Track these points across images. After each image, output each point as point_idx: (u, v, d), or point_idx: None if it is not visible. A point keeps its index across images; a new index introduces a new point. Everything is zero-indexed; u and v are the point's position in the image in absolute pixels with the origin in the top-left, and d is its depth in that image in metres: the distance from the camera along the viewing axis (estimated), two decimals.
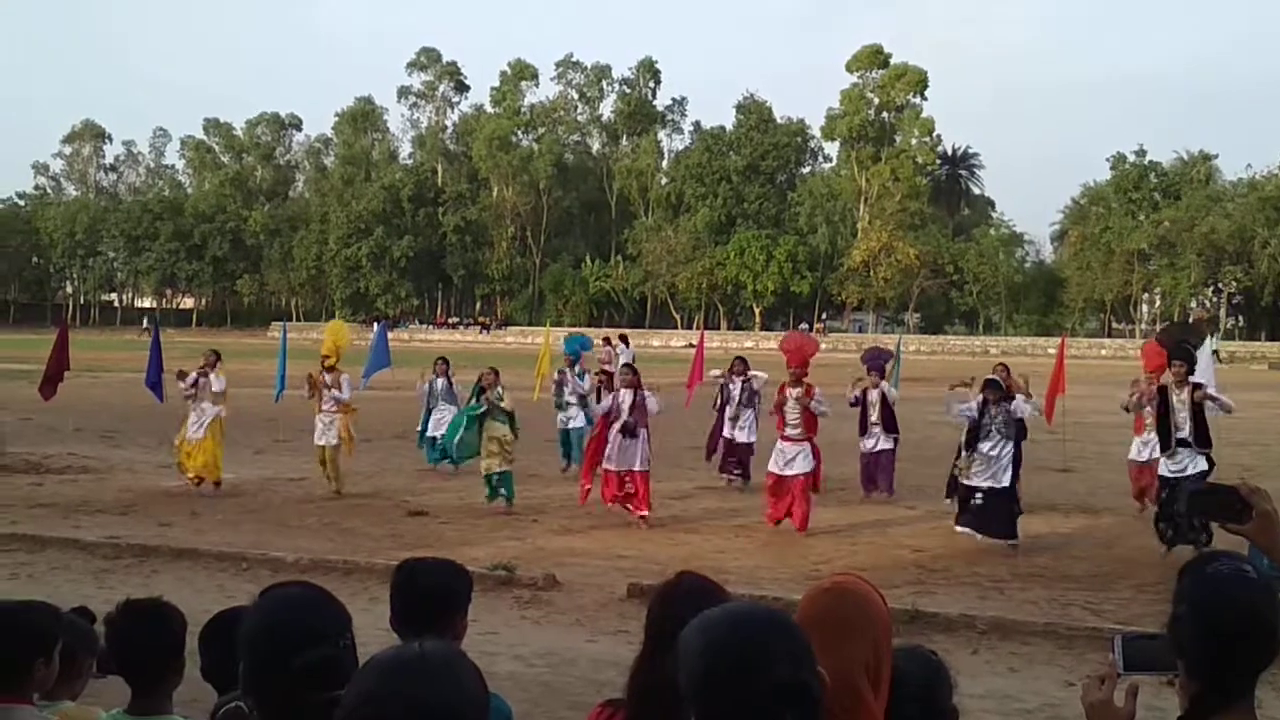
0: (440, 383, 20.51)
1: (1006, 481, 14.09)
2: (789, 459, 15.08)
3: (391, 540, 14.23)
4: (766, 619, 2.16)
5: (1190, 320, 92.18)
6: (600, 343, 36.78)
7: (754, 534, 14.96)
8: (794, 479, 14.98)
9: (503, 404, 16.47)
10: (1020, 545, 13.94)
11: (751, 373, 19.06)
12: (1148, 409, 14.59)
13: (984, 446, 14.22)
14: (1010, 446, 14.20)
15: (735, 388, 19.06)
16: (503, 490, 16.37)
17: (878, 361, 19.03)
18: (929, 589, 11.96)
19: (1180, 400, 13.49)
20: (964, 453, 14.55)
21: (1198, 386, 13.60)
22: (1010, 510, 14.11)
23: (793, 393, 15.32)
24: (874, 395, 18.15)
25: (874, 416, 17.97)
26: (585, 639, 10.03)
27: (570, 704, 8.38)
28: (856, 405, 18.20)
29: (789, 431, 15.24)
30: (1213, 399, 13.66)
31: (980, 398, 14.56)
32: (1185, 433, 13.42)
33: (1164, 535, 13.42)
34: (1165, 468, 13.62)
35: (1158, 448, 14.16)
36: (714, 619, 2.16)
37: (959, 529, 14.27)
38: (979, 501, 14.11)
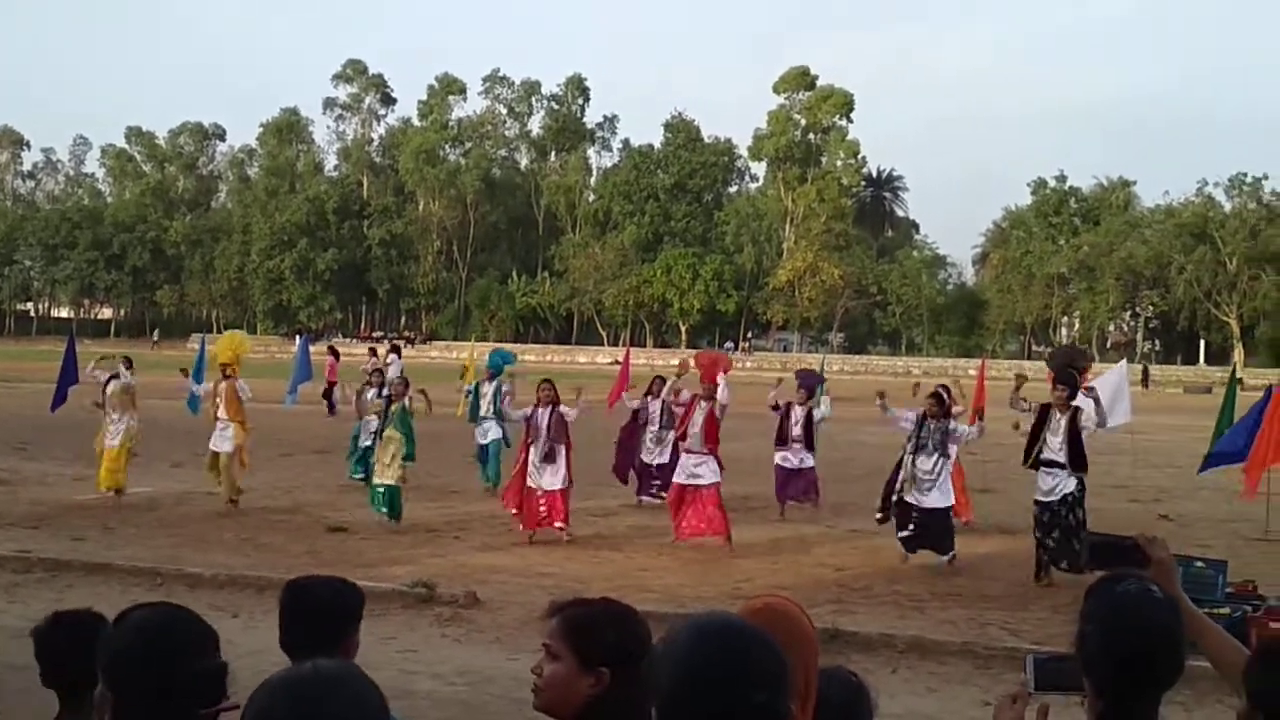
0: (371, 393, 20.21)
1: (946, 501, 14.24)
2: (692, 471, 15.17)
3: (309, 557, 14.06)
4: (751, 639, 2.14)
5: (1109, 344, 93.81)
6: (366, 353, 36.76)
7: (677, 552, 14.96)
8: (703, 490, 15.05)
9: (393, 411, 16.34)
10: (956, 558, 14.11)
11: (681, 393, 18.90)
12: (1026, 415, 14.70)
13: (920, 461, 14.34)
14: (946, 464, 14.37)
15: (654, 409, 18.95)
16: (384, 508, 16.12)
17: (809, 382, 19.43)
18: (849, 608, 12.03)
19: (1058, 423, 13.70)
20: (904, 466, 14.62)
21: (1077, 410, 13.82)
22: (948, 526, 14.27)
23: (704, 404, 15.42)
24: (799, 413, 18.35)
25: (796, 432, 18.17)
26: (506, 657, 9.97)
27: None
28: (776, 411, 18.46)
29: (690, 444, 15.38)
30: (1094, 408, 13.86)
31: (920, 410, 14.73)
32: (1056, 454, 13.60)
33: (1040, 561, 13.55)
34: (1038, 491, 13.73)
35: None
36: (699, 634, 2.14)
37: (902, 549, 14.35)
38: (915, 523, 14.22)
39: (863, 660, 9.69)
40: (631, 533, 16.39)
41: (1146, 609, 2.71)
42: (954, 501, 14.73)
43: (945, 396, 14.96)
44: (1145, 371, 69.68)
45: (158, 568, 13.08)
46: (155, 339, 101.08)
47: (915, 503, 14.26)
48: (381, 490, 16.10)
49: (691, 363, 17.81)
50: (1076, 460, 13.56)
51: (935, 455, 14.33)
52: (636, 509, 18.22)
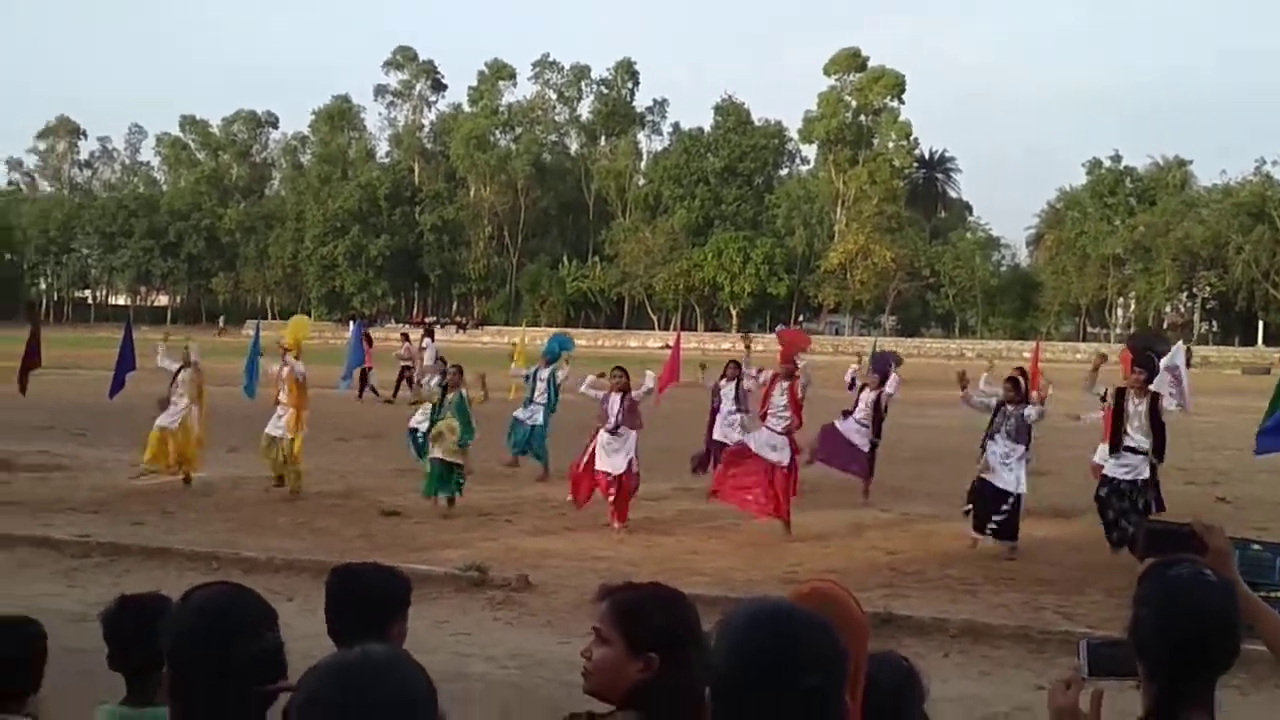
0: (434, 380, 20.06)
1: (1017, 488, 14.14)
2: (770, 444, 15.13)
3: (363, 541, 14.18)
4: (805, 623, 2.15)
5: (1165, 326, 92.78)
6: (399, 338, 36.73)
7: (728, 536, 14.96)
8: (777, 470, 15.00)
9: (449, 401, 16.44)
10: (1015, 550, 14.03)
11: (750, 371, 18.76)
12: (1103, 405, 14.55)
13: (994, 447, 14.28)
14: (1020, 450, 14.27)
15: (728, 391, 18.93)
16: (439, 490, 16.23)
17: (881, 366, 19.70)
18: (901, 592, 11.99)
19: (1136, 407, 13.55)
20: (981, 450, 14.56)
21: (1156, 396, 13.66)
22: (1015, 513, 14.19)
23: (782, 384, 15.40)
24: (869, 396, 18.49)
25: (861, 416, 18.30)
26: (557, 641, 10.00)
27: (542, 706, 8.37)
28: (851, 390, 19.11)
29: (772, 422, 15.33)
30: (1170, 388, 13.72)
31: (999, 395, 14.69)
32: (1135, 441, 13.46)
33: (1110, 529, 13.48)
34: (1110, 468, 13.66)
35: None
36: (753, 619, 2.15)
37: (975, 535, 14.26)
38: (989, 501, 14.15)
39: (915, 644, 9.65)
40: (682, 516, 16.40)
41: (1201, 593, 2.69)
42: (1024, 492, 14.49)
43: (1021, 382, 14.90)
44: (1188, 353, 68.85)
45: (215, 552, 13.22)
46: (221, 326, 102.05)
47: (991, 480, 14.17)
48: (439, 466, 16.17)
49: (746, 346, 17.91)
50: (1159, 448, 13.45)
51: (1011, 441, 14.24)
52: (686, 493, 18.22)
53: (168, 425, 17.79)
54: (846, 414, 18.61)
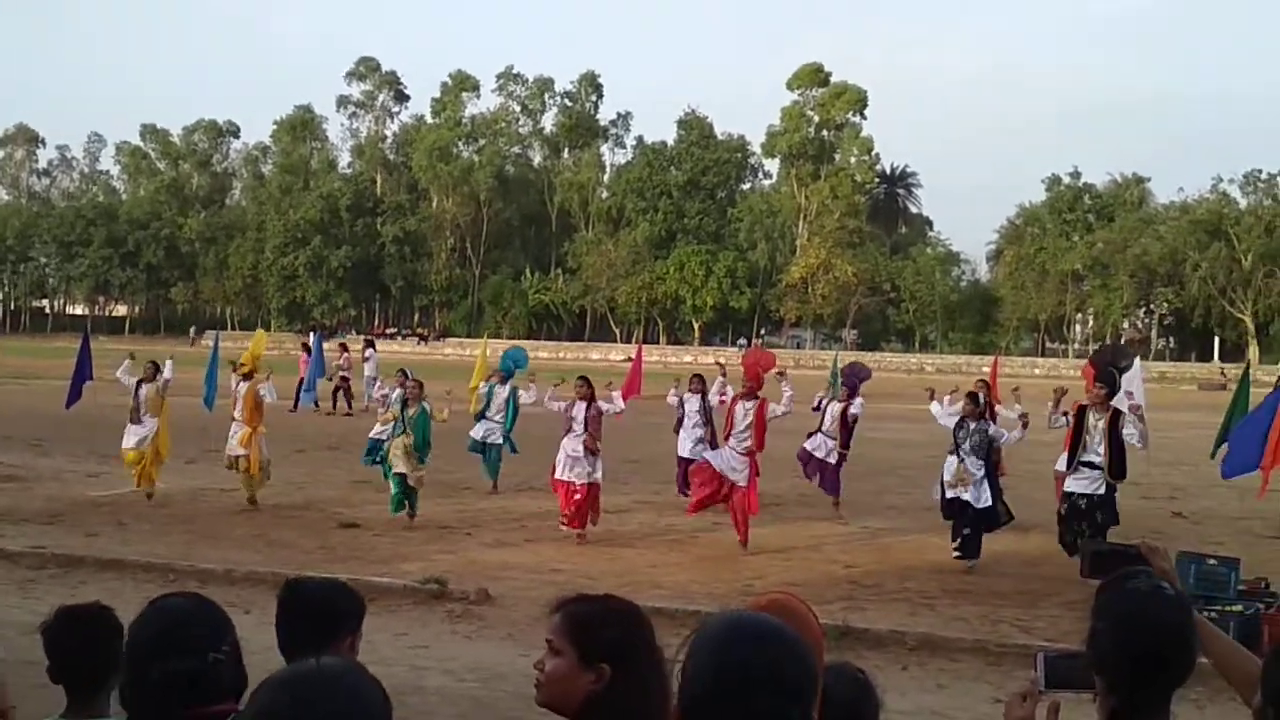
0: (396, 393, 19.56)
1: (985, 501, 14.18)
2: (731, 465, 15.12)
3: (322, 553, 14.10)
4: (783, 641, 2.14)
5: (1123, 341, 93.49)
6: (337, 348, 36.55)
7: (687, 549, 14.97)
8: (734, 489, 15.01)
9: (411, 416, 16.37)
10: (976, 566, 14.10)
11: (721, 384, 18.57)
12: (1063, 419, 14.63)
13: (961, 462, 14.30)
14: (983, 466, 14.32)
15: (693, 405, 18.75)
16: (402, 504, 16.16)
17: (853, 379, 19.68)
18: (860, 605, 12.02)
19: (1096, 422, 13.61)
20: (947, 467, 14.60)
21: (1117, 413, 13.73)
22: (979, 524, 14.23)
23: (745, 405, 15.39)
24: (835, 408, 18.72)
25: (828, 427, 18.52)
26: (517, 653, 9.96)
27: (500, 719, 8.33)
28: (817, 411, 19.07)
29: (734, 442, 15.27)
30: (1134, 424, 13.72)
31: (959, 411, 14.76)
32: (1093, 456, 13.51)
33: (1070, 549, 13.55)
34: (1069, 483, 13.72)
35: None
36: (732, 633, 2.14)
37: (958, 557, 14.30)
38: (970, 524, 14.19)
39: (873, 657, 9.68)
40: (643, 529, 16.41)
41: (1158, 606, 2.70)
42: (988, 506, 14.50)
43: (981, 396, 14.98)
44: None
45: (171, 563, 13.12)
46: (193, 336, 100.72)
47: (970, 500, 14.20)
48: (402, 483, 16.10)
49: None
50: (1117, 468, 13.49)
51: (973, 457, 14.29)
52: (646, 505, 18.22)
53: (135, 446, 17.60)
54: (811, 434, 18.71)
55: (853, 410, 18.67)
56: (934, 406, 16.03)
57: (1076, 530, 13.39)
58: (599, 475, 15.53)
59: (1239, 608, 10.58)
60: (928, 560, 14.22)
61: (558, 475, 15.51)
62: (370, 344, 37.29)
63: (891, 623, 11.25)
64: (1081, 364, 19.30)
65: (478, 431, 19.91)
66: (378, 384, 32.80)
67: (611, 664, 2.63)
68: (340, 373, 34.48)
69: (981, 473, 14.28)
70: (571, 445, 15.50)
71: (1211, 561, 11.21)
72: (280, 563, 13.19)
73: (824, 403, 19.18)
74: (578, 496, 15.30)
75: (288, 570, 12.63)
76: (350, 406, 33.51)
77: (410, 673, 9.24)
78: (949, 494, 14.35)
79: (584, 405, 15.70)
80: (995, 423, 16.02)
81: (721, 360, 20.20)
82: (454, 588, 12.10)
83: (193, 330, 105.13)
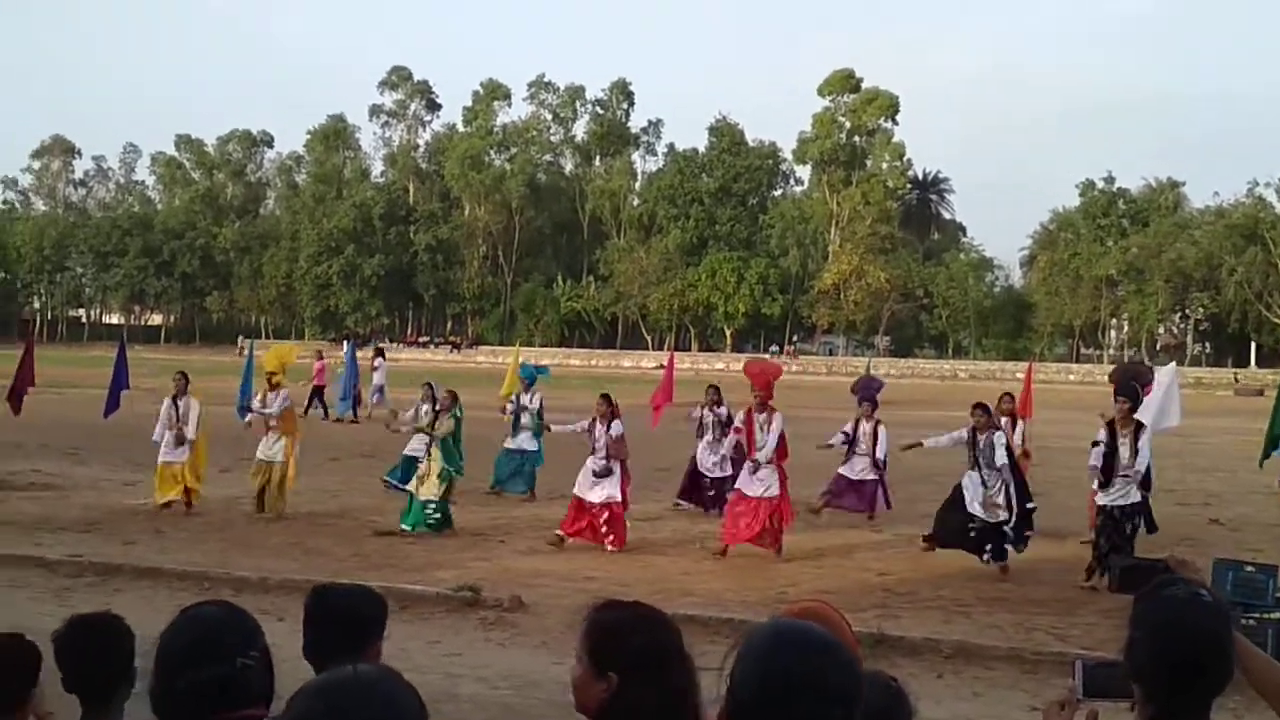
0: (425, 407, 19.40)
1: (1003, 516, 14.11)
2: (759, 478, 15.03)
3: (356, 560, 14.15)
4: (831, 650, 2.12)
5: (1159, 347, 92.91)
6: (314, 355, 36.40)
7: (720, 557, 14.93)
8: (764, 500, 14.94)
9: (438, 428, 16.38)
10: (1009, 568, 14.04)
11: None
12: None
13: (981, 477, 14.23)
14: (1003, 480, 14.22)
15: (709, 418, 18.53)
16: (422, 524, 16.09)
17: (869, 392, 18.92)
18: (894, 613, 11.96)
19: (1124, 438, 13.55)
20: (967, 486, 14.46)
21: (1140, 425, 13.68)
22: (1004, 536, 14.13)
23: (759, 418, 15.31)
24: (866, 427, 18.13)
25: (863, 448, 17.93)
26: (551, 661, 9.96)
27: None
28: (847, 443, 18.08)
29: (760, 455, 15.15)
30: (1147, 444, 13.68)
31: (970, 425, 14.63)
32: (1129, 470, 13.44)
33: (1093, 567, 13.45)
34: (1101, 497, 13.64)
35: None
36: (780, 640, 2.13)
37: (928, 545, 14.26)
38: (973, 533, 14.14)
39: (908, 665, 9.63)
40: (675, 536, 16.37)
41: (1196, 614, 2.68)
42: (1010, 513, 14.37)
43: (989, 406, 14.86)
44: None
45: (206, 571, 13.18)
46: (241, 346, 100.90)
47: (974, 514, 14.14)
48: (429, 504, 16.10)
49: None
50: (1144, 478, 13.46)
51: (989, 472, 14.22)
52: (679, 514, 18.20)
53: (175, 460, 17.63)
54: (847, 457, 18.07)
55: (881, 450, 18.07)
56: (928, 442, 15.69)
57: (1111, 541, 13.28)
58: (617, 494, 15.35)
59: (1277, 615, 10.47)
60: (962, 567, 14.14)
61: (575, 490, 15.53)
62: (380, 353, 37.35)
63: (926, 630, 11.19)
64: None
65: (510, 443, 19.87)
66: (381, 395, 33.19)
67: (622, 673, 2.69)
68: (315, 383, 34.78)
69: (1001, 489, 14.19)
70: (593, 463, 15.51)
71: (1249, 568, 11.10)
72: (314, 571, 13.22)
73: (848, 430, 18.23)
74: (605, 515, 15.28)
75: (322, 578, 12.67)
76: (326, 414, 33.60)
77: (444, 680, 9.25)
78: (971, 523, 14.24)
79: (605, 425, 15.63)
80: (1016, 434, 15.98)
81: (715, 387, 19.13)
82: (487, 595, 12.12)
83: (240, 340, 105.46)
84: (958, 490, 14.53)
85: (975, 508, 14.17)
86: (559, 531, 15.35)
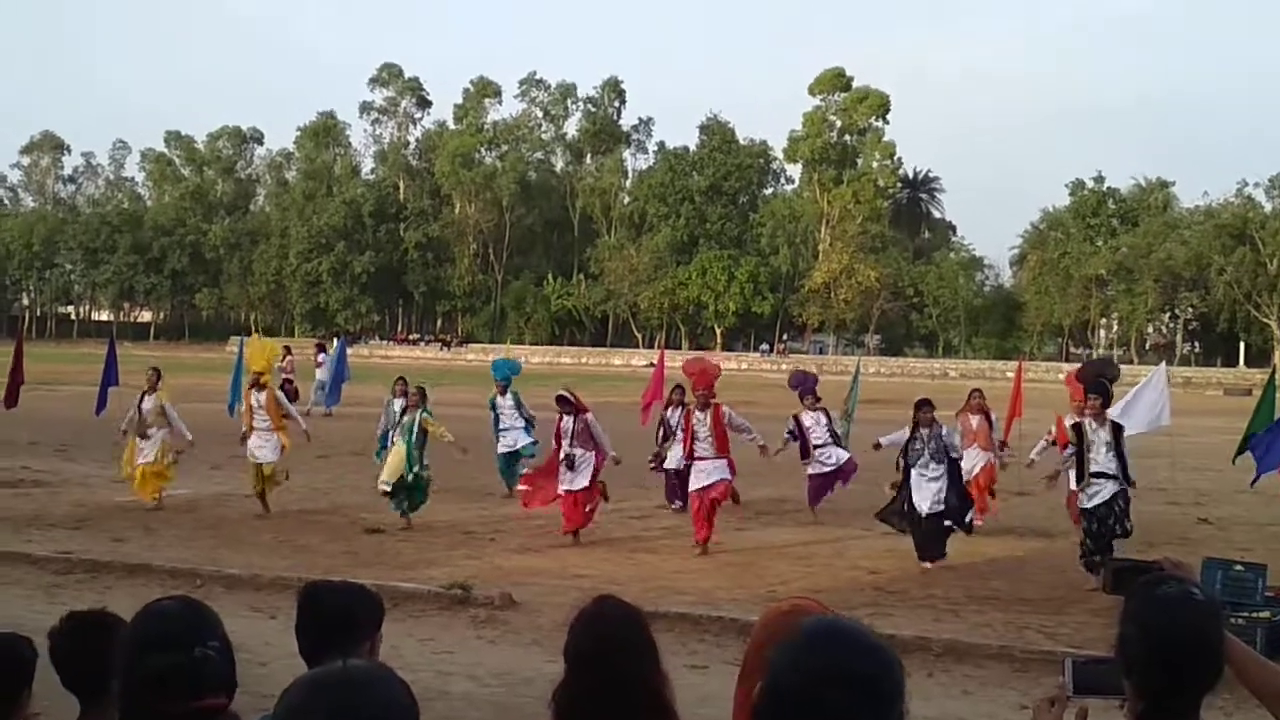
0: (398, 403, 18.63)
1: (942, 505, 14.20)
2: (706, 475, 15.06)
3: (347, 557, 14.14)
4: (868, 644, 2.10)
5: (1148, 346, 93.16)
6: (281, 350, 36.39)
7: (711, 554, 14.93)
8: (703, 491, 14.98)
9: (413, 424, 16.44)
10: (943, 562, 14.18)
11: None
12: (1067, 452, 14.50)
13: (924, 471, 14.32)
14: (944, 469, 14.31)
15: (675, 418, 18.06)
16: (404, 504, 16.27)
17: (808, 384, 18.80)
18: (885, 611, 11.98)
19: (1095, 435, 13.55)
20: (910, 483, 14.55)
21: (1117, 425, 13.70)
22: (943, 531, 14.26)
23: (699, 415, 15.32)
24: (808, 419, 18.16)
25: (818, 438, 17.97)
26: (543, 659, 9.95)
27: None
28: (794, 439, 18.13)
29: (700, 451, 15.18)
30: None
31: (909, 425, 14.70)
32: (1105, 466, 13.44)
33: (1093, 568, 13.48)
34: (1083, 500, 13.66)
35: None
36: (812, 635, 2.11)
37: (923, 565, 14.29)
38: (921, 528, 14.22)
39: None
40: (666, 535, 16.38)
41: (1188, 611, 2.69)
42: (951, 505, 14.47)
43: (931, 402, 14.89)
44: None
45: (197, 569, 13.16)
46: (231, 347, 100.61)
47: (918, 508, 14.28)
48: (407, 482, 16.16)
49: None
50: (1125, 474, 13.47)
51: (930, 463, 14.31)
52: (670, 511, 18.20)
53: (147, 461, 17.60)
54: (804, 456, 18.09)
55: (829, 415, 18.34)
56: (883, 440, 15.73)
57: (1101, 542, 13.30)
58: (586, 480, 15.39)
59: (1266, 614, 10.52)
60: (952, 566, 14.17)
61: (560, 488, 15.55)
62: (321, 348, 37.30)
63: (917, 629, 11.20)
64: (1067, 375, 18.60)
65: (505, 443, 19.82)
66: (323, 391, 33.19)
67: (571, 664, 2.82)
68: (284, 375, 34.56)
69: (943, 478, 14.28)
70: (563, 456, 15.53)
71: (1238, 567, 11.15)
72: (305, 568, 13.21)
73: (792, 426, 18.17)
74: (586, 504, 15.37)
75: (313, 575, 12.68)
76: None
77: (435, 678, 9.25)
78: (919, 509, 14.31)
79: (570, 419, 15.64)
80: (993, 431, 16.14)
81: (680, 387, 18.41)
82: (478, 593, 12.11)
83: (231, 340, 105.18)
84: (907, 486, 14.62)
85: (921, 503, 14.25)
86: (565, 532, 15.43)
